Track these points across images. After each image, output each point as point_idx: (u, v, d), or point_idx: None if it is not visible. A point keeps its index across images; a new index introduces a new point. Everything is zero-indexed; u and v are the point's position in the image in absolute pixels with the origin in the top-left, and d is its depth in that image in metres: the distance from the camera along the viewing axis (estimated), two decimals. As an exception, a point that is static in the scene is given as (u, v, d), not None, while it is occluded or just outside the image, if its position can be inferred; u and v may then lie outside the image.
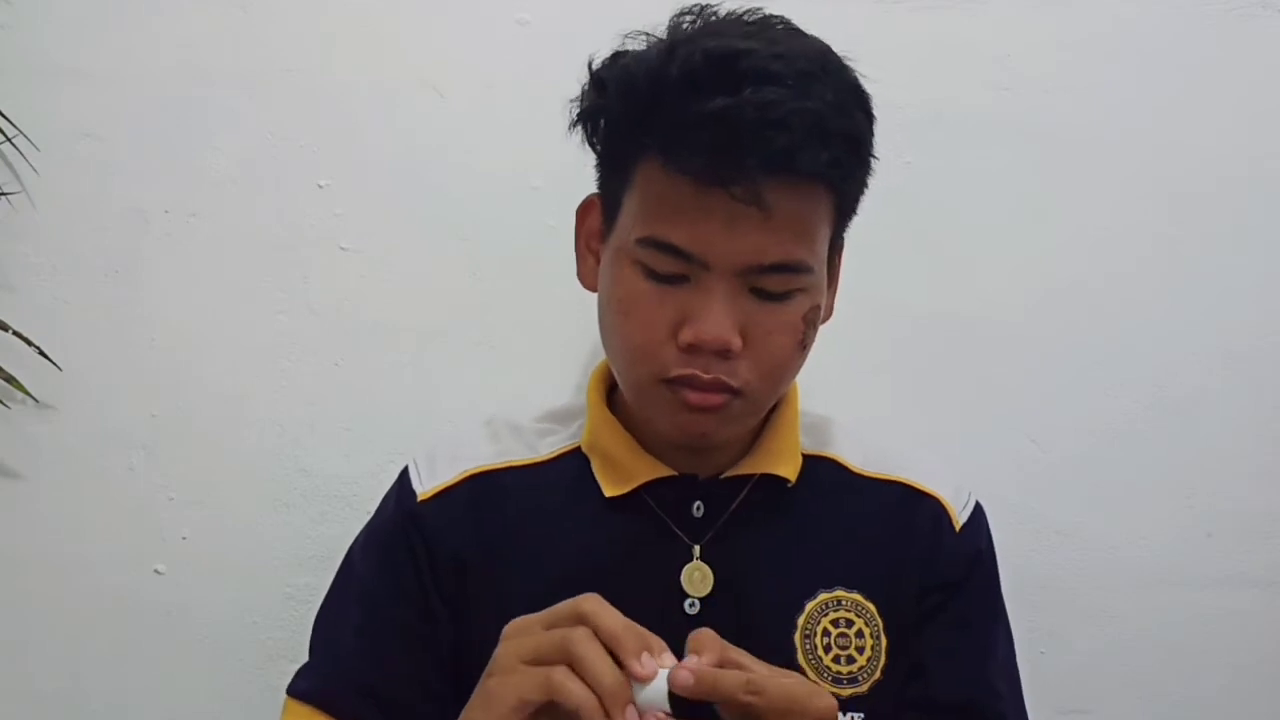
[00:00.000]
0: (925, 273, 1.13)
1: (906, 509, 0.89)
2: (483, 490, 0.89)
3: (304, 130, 1.10)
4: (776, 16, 0.81)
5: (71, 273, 1.09)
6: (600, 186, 0.87)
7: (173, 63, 1.10)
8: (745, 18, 0.80)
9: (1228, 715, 1.14)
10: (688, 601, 0.82)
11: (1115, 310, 1.14)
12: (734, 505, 0.86)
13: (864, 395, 1.12)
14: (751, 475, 0.86)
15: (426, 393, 1.11)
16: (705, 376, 0.78)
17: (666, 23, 0.82)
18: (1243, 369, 1.14)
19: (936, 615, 0.87)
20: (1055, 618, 1.13)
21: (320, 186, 1.11)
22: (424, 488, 0.89)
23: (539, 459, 0.90)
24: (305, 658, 1.09)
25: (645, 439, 0.87)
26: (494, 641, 0.69)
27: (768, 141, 0.73)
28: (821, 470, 0.89)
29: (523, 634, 0.66)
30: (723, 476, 0.86)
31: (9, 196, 1.08)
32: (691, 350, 0.78)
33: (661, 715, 0.63)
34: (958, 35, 1.13)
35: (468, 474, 0.89)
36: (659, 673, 0.64)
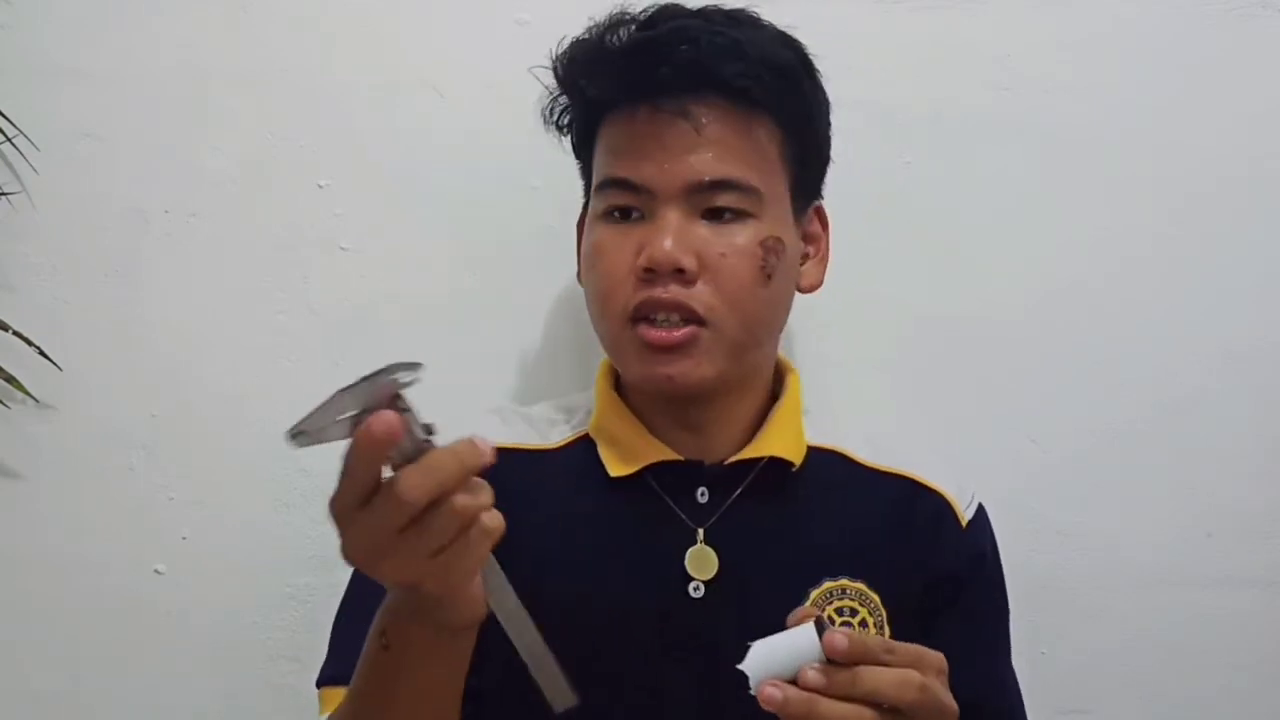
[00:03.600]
0: (925, 273, 1.13)
1: (911, 503, 0.90)
2: (493, 470, 0.89)
3: (304, 130, 1.10)
4: None
5: (71, 273, 1.09)
6: (585, 184, 0.93)
7: (173, 63, 1.10)
8: None
9: (1228, 715, 1.14)
10: (692, 585, 0.83)
11: (1115, 310, 1.14)
12: (738, 491, 0.86)
13: (865, 395, 1.12)
14: (756, 461, 0.87)
15: (426, 392, 1.10)
16: (664, 295, 0.81)
17: None
18: (1243, 369, 1.14)
19: (945, 612, 0.87)
20: (1055, 618, 1.12)
21: (320, 186, 1.11)
22: None
23: (550, 446, 0.91)
24: (305, 657, 1.09)
25: (651, 423, 0.88)
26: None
27: (680, 54, 0.81)
28: (827, 461, 0.90)
29: (378, 548, 0.59)
30: (727, 462, 0.87)
31: (9, 196, 1.08)
32: (649, 276, 0.82)
33: (818, 668, 0.62)
34: (958, 35, 1.13)
35: None
36: (804, 627, 0.63)
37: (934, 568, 0.87)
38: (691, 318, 0.82)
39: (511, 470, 0.88)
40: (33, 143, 1.07)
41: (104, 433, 1.09)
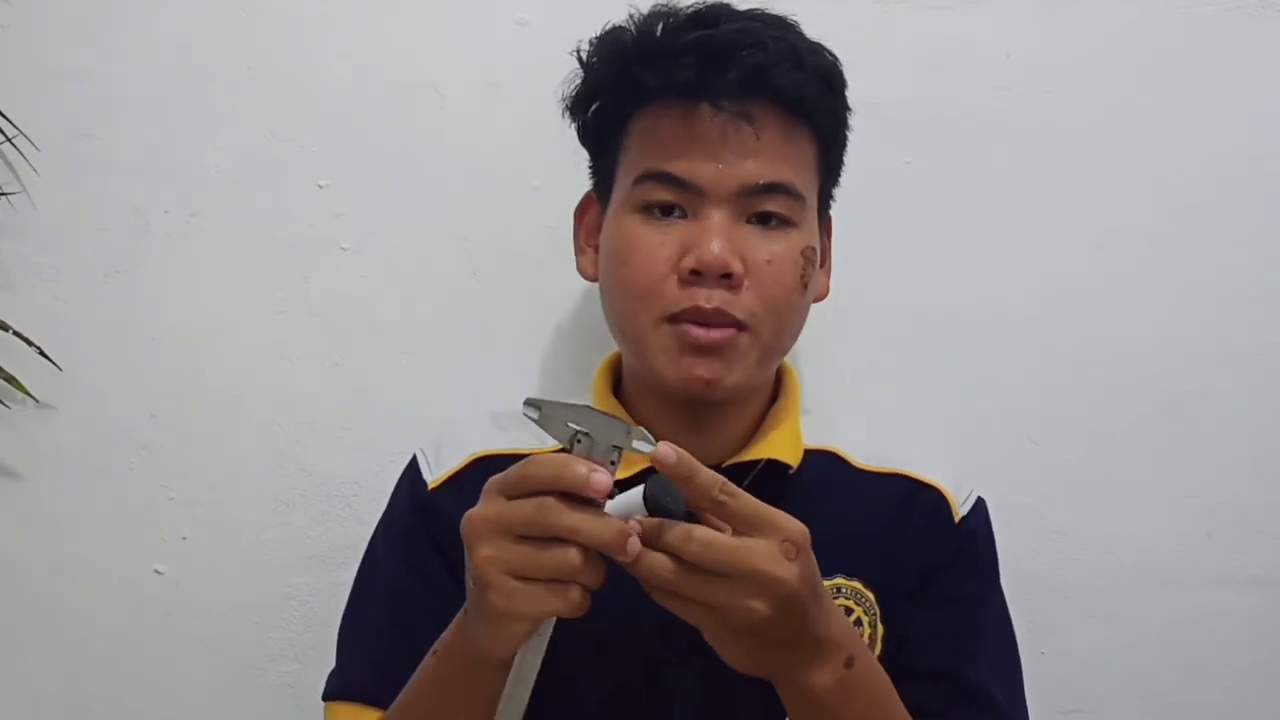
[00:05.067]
0: (925, 273, 1.13)
1: (907, 499, 0.90)
2: (490, 473, 0.88)
3: (304, 130, 1.10)
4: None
5: (71, 273, 1.09)
6: (595, 176, 0.92)
7: (173, 63, 1.10)
8: None
9: (1228, 715, 1.14)
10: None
11: (1115, 310, 1.14)
12: None
13: (864, 394, 1.12)
14: (754, 463, 0.87)
15: (426, 393, 1.11)
16: (707, 306, 0.80)
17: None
18: (1243, 369, 1.14)
19: (924, 591, 0.87)
20: (1055, 618, 1.13)
21: (320, 186, 1.11)
22: (433, 476, 0.90)
23: (546, 450, 0.90)
24: (305, 657, 1.09)
25: (650, 426, 0.87)
26: None
27: (746, 58, 0.80)
28: (823, 463, 0.90)
29: (490, 537, 0.65)
30: (725, 464, 0.87)
31: (9, 196, 1.08)
32: (693, 279, 0.81)
33: (637, 522, 0.65)
34: (958, 35, 1.13)
35: (475, 457, 0.90)
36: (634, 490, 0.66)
37: (925, 561, 0.87)
38: (732, 322, 0.81)
39: None
40: (33, 143, 1.07)
41: (104, 433, 1.09)
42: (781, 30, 0.84)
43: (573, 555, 0.63)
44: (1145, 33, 1.14)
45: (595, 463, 0.63)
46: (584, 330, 1.11)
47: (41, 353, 1.07)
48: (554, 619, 0.66)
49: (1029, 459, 1.13)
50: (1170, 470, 1.14)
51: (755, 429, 0.90)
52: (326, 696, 0.88)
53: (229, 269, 1.10)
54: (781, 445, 0.88)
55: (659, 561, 0.64)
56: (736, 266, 0.80)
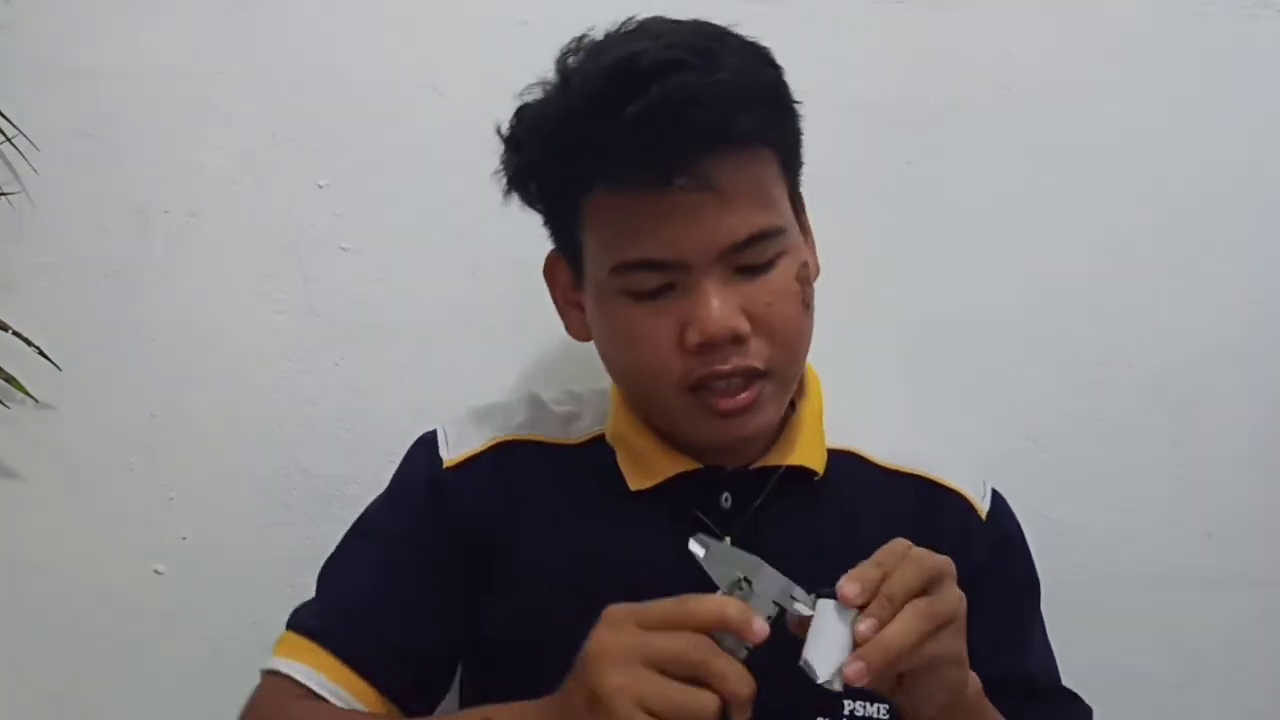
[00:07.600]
0: (925, 273, 1.13)
1: (932, 503, 0.90)
2: (511, 459, 0.89)
3: (304, 130, 1.10)
4: (651, 17, 0.82)
5: (71, 273, 1.09)
6: (555, 240, 0.89)
7: (173, 63, 1.10)
8: (623, 29, 0.82)
9: (1228, 715, 1.14)
10: (718, 594, 0.82)
11: (1115, 310, 1.14)
12: (762, 497, 0.86)
13: (865, 394, 1.12)
14: (778, 467, 0.87)
15: (426, 393, 1.11)
16: (726, 368, 0.78)
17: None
18: (1243, 369, 1.14)
19: (979, 599, 0.87)
20: (1055, 618, 1.12)
21: (320, 186, 1.11)
22: (451, 455, 0.89)
23: (570, 441, 0.91)
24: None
25: (669, 434, 0.87)
26: (511, 615, 0.74)
27: (691, 121, 0.74)
28: (845, 463, 0.90)
29: (626, 666, 0.62)
30: (751, 468, 0.87)
31: (9, 196, 1.08)
32: (704, 350, 0.78)
33: (860, 620, 0.65)
34: (958, 35, 1.13)
35: (497, 441, 0.90)
36: (820, 609, 0.65)
37: (963, 566, 0.87)
38: (753, 374, 0.80)
39: (531, 461, 0.88)
40: (33, 143, 1.07)
41: (104, 433, 1.09)
42: (711, 64, 0.75)
43: (711, 702, 0.61)
44: (1146, 32, 1.14)
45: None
46: (584, 330, 1.11)
47: (41, 353, 1.06)
48: None
49: (1029, 459, 1.13)
50: (1170, 470, 1.14)
51: (779, 432, 0.89)
52: (290, 625, 0.84)
53: (229, 269, 1.10)
54: (806, 450, 0.88)
55: (910, 619, 0.65)
56: (744, 327, 0.78)
